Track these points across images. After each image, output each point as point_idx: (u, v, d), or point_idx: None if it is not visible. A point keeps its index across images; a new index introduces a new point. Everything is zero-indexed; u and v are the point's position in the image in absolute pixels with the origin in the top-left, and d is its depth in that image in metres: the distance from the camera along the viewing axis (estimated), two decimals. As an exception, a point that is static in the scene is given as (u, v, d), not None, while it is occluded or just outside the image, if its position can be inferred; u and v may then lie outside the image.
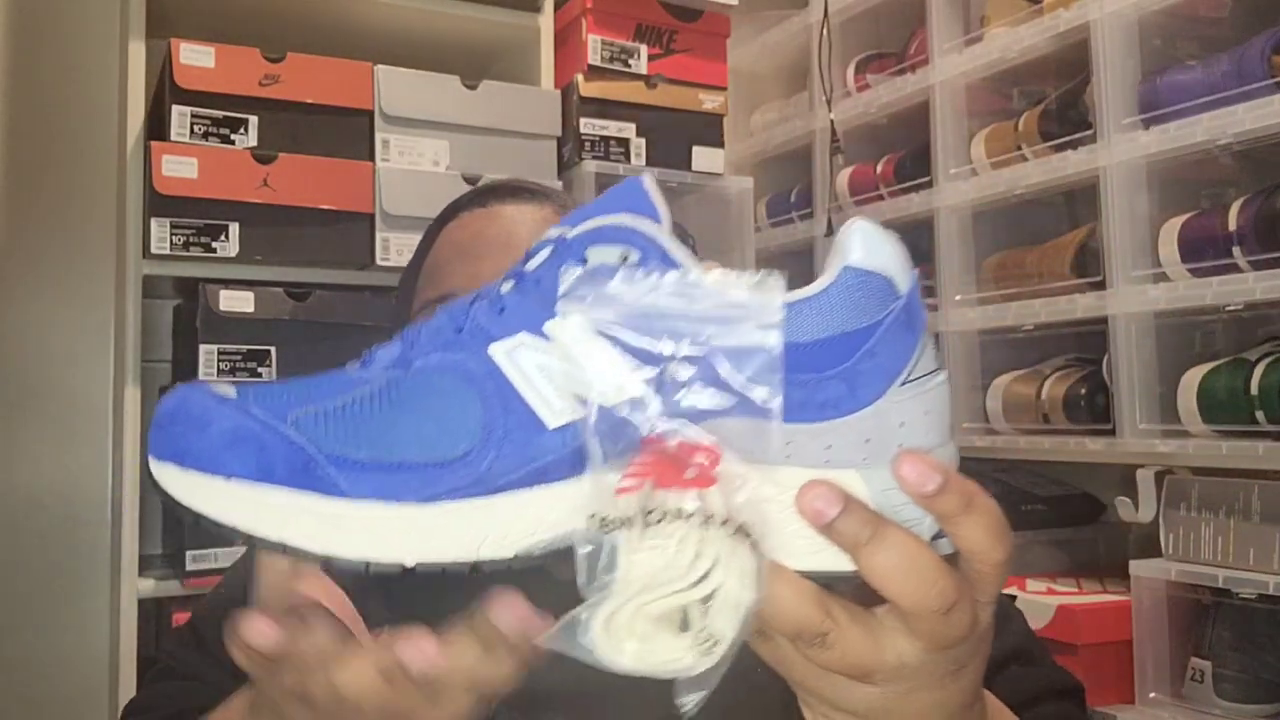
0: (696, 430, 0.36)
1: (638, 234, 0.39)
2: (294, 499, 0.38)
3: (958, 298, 1.62)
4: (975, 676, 0.43)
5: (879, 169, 1.82)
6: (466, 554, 0.38)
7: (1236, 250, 1.26)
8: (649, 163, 1.64)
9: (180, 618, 1.16)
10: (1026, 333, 1.55)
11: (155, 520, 1.54)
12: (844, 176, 1.87)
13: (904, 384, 0.39)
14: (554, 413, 0.38)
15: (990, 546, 0.38)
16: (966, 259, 1.63)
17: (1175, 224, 1.34)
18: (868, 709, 0.40)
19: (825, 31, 1.86)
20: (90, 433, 1.67)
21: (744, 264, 1.76)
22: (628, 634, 0.36)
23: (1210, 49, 1.36)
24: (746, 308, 0.36)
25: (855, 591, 0.39)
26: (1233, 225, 1.26)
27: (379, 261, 1.42)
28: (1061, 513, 1.61)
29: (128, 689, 1.33)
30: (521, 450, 0.38)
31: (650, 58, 1.67)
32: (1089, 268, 1.45)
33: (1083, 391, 1.45)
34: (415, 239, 0.84)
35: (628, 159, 1.63)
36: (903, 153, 1.79)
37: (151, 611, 1.41)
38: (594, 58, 1.63)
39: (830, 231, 1.84)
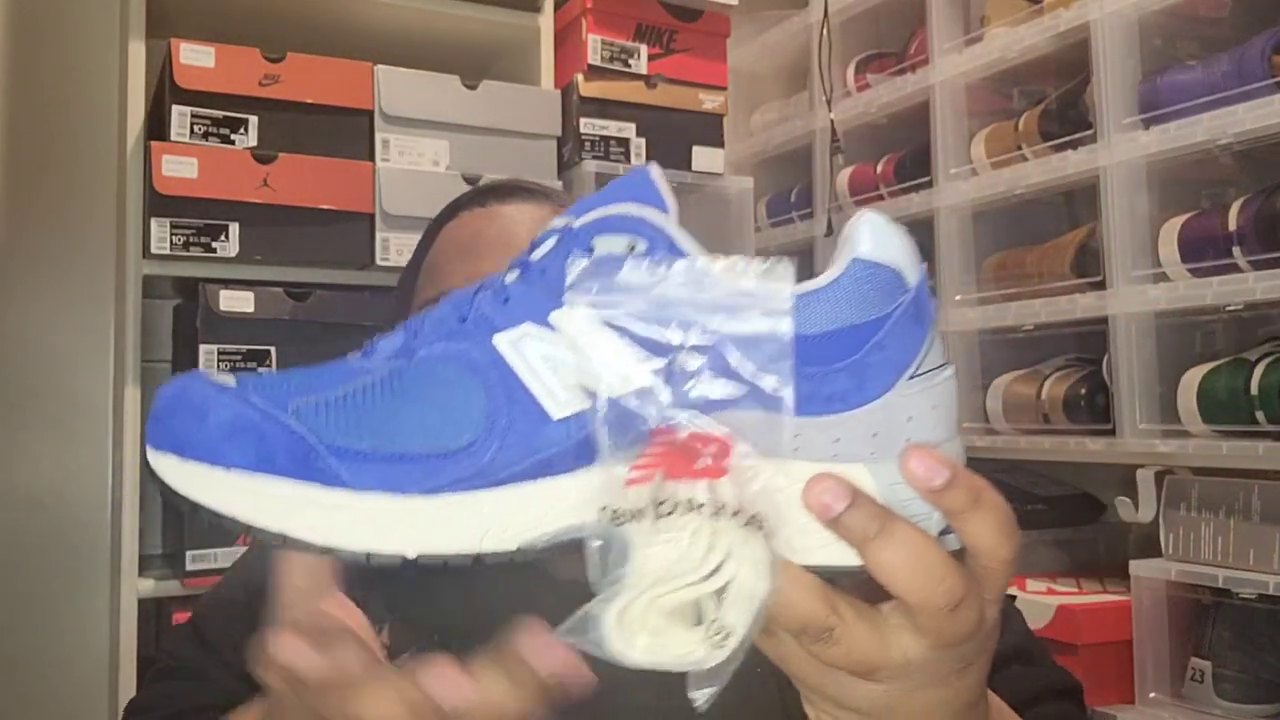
0: (707, 421, 0.36)
1: (645, 223, 0.38)
2: (295, 489, 0.37)
3: (958, 298, 1.62)
4: (980, 675, 0.42)
5: (879, 169, 1.82)
6: (469, 546, 0.38)
7: (1236, 250, 1.26)
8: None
9: (180, 617, 1.16)
10: (1026, 333, 1.55)
11: (155, 520, 1.54)
12: (844, 176, 1.87)
13: (912, 378, 0.39)
14: (559, 404, 0.38)
15: (998, 543, 0.38)
16: (966, 259, 1.63)
17: (1175, 224, 1.34)
18: (871, 706, 0.40)
19: (825, 31, 1.86)
20: (90, 433, 1.67)
21: (744, 264, 1.76)
22: (640, 628, 0.35)
23: (1210, 49, 1.36)
24: (756, 295, 0.36)
25: (860, 587, 0.38)
26: (1233, 225, 1.26)
27: (379, 261, 1.42)
28: (1061, 513, 1.61)
29: (128, 689, 1.32)
30: (526, 441, 0.38)
31: (650, 58, 1.67)
32: (1089, 268, 1.45)
33: (1083, 391, 1.45)
34: (415, 239, 0.84)
35: (628, 159, 1.63)
36: (903, 153, 1.79)
37: (151, 611, 1.41)
38: (594, 58, 1.63)
39: (830, 232, 1.84)
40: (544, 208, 0.79)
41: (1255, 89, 1.23)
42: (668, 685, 0.37)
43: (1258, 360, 1.24)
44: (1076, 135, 1.46)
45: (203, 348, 1.35)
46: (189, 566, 1.34)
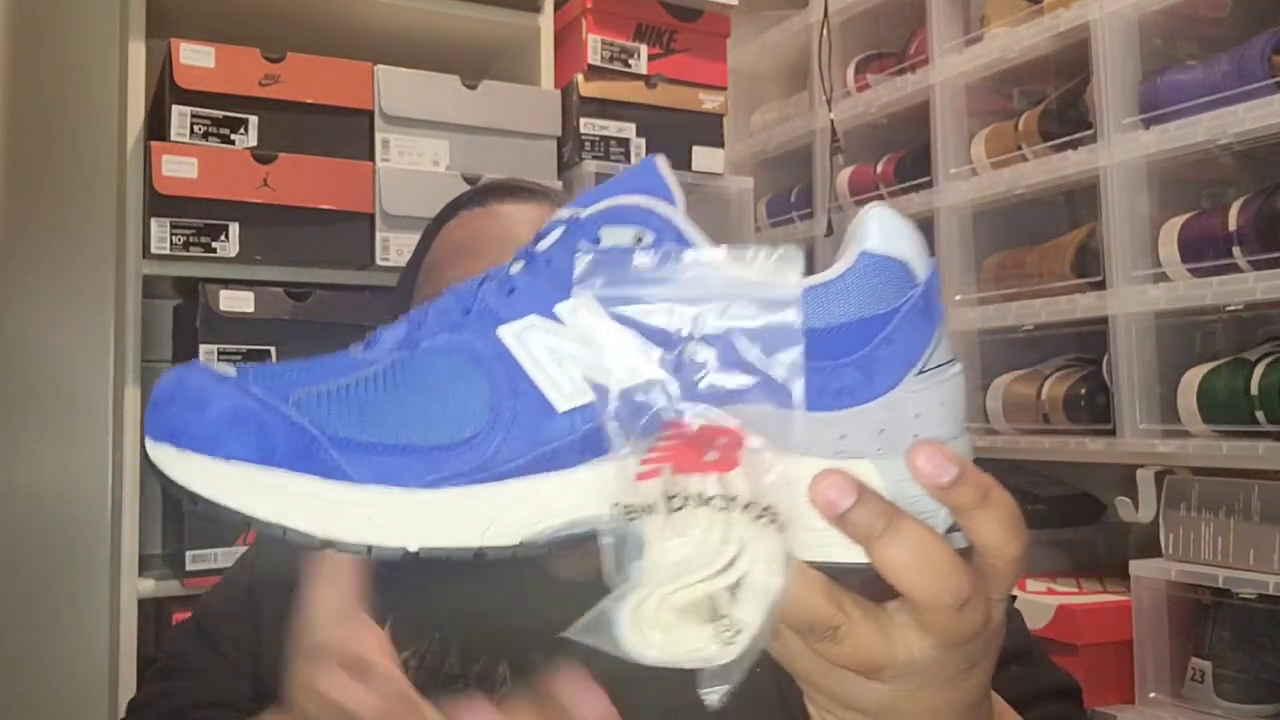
0: (718, 413, 0.35)
1: (652, 214, 0.38)
2: (295, 481, 0.37)
3: (958, 298, 1.62)
4: (985, 675, 0.42)
5: (879, 169, 1.82)
6: (470, 541, 0.37)
7: (1236, 250, 1.26)
8: (649, 163, 1.64)
9: (180, 617, 1.15)
10: (1026, 333, 1.55)
11: (155, 520, 1.54)
12: (844, 176, 1.87)
13: (920, 373, 0.38)
14: (563, 396, 0.37)
15: (1006, 541, 0.38)
16: (966, 259, 1.63)
17: (1175, 224, 1.34)
18: (876, 706, 0.40)
19: (825, 31, 1.86)
20: (90, 433, 1.67)
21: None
22: (653, 624, 0.35)
23: (1210, 49, 1.36)
24: (765, 285, 0.35)
25: (865, 585, 0.38)
26: (1233, 225, 1.26)
27: (379, 261, 1.42)
28: (1062, 513, 1.60)
29: (128, 689, 1.32)
30: (530, 434, 0.37)
31: (650, 58, 1.67)
32: (1089, 268, 1.45)
33: (1083, 391, 1.45)
34: (415, 239, 0.84)
35: (628, 159, 1.63)
36: (903, 153, 1.79)
37: (151, 611, 1.41)
38: (594, 58, 1.63)
39: (830, 232, 1.84)
40: (544, 207, 0.79)
41: (1255, 89, 1.23)
42: (672, 684, 0.37)
43: (1258, 360, 1.24)
44: (1076, 135, 1.46)
45: (203, 348, 1.35)
46: (189, 566, 1.33)
